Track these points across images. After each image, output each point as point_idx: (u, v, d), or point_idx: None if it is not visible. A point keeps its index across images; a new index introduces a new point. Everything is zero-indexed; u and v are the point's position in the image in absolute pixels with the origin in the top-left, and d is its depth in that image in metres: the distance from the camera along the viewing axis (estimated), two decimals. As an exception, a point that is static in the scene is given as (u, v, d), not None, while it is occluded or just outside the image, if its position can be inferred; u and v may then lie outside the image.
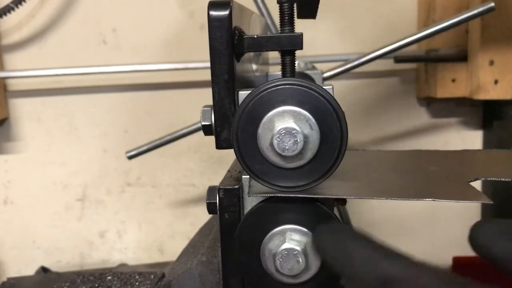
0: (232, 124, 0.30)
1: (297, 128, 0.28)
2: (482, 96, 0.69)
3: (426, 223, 0.82)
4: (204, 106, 0.33)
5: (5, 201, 0.82)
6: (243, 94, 0.32)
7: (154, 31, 0.78)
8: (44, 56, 0.78)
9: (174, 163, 0.82)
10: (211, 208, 0.33)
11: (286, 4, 0.31)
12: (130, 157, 0.70)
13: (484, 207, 0.81)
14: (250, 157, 0.30)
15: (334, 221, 0.31)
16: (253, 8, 0.61)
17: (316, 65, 0.63)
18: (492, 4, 0.54)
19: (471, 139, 0.82)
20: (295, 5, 0.32)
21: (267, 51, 0.35)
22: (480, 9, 0.54)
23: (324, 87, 0.29)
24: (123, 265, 0.79)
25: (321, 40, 0.77)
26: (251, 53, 0.40)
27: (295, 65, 0.33)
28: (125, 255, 0.84)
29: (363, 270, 0.25)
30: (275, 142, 0.29)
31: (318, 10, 0.36)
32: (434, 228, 0.82)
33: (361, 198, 0.30)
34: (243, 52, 0.32)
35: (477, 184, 0.36)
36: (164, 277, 0.54)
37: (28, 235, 0.83)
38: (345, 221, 0.65)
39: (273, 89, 0.29)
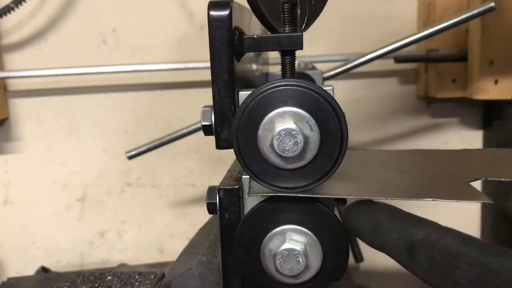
0: (232, 125, 0.30)
1: (297, 129, 0.28)
2: (482, 96, 0.69)
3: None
4: (204, 106, 0.33)
5: (5, 201, 0.82)
6: (243, 94, 0.32)
7: (154, 31, 0.78)
8: (44, 56, 0.78)
9: (174, 163, 0.82)
10: (211, 208, 0.33)
11: (287, 4, 0.31)
12: (130, 157, 0.70)
13: (484, 207, 0.81)
14: (250, 158, 0.30)
15: (363, 201, 0.31)
16: (253, 8, 0.61)
17: (316, 65, 0.63)
18: (492, 4, 0.54)
19: (471, 139, 0.82)
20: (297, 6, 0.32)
21: (267, 51, 0.35)
22: (480, 9, 0.54)
23: (324, 88, 0.29)
24: (123, 265, 0.78)
25: (321, 39, 0.77)
26: (251, 53, 0.40)
27: (295, 65, 0.33)
28: (125, 255, 0.84)
29: (391, 238, 0.27)
30: (275, 143, 0.29)
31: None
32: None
33: (361, 198, 0.30)
34: (243, 52, 0.32)
35: (477, 184, 0.36)
36: (164, 277, 0.54)
37: (28, 235, 0.83)
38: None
39: (273, 90, 0.29)
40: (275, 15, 0.32)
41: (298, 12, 0.32)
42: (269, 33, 0.33)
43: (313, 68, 0.60)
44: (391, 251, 0.27)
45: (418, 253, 0.26)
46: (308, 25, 0.33)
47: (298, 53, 0.33)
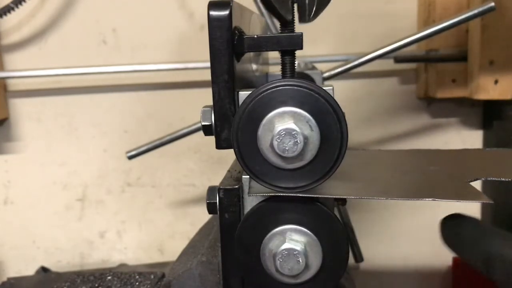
0: (232, 125, 0.30)
1: (297, 129, 0.28)
2: (482, 96, 0.69)
3: (426, 223, 0.82)
4: (204, 106, 0.33)
5: (5, 201, 0.82)
6: (243, 94, 0.32)
7: (154, 31, 0.78)
8: (44, 56, 0.78)
9: (174, 163, 0.82)
10: (211, 208, 0.33)
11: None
12: (130, 157, 0.70)
13: (484, 207, 0.81)
14: (250, 158, 0.30)
15: (459, 216, 0.33)
16: (253, 8, 0.61)
17: (316, 65, 0.63)
18: (492, 4, 0.54)
19: (471, 139, 0.82)
20: (295, 5, 0.32)
21: (267, 51, 0.35)
22: (480, 9, 0.54)
23: (324, 88, 0.29)
24: (123, 265, 0.78)
25: (321, 39, 0.77)
26: (251, 53, 0.40)
27: (295, 65, 0.33)
28: (125, 255, 0.84)
29: (472, 252, 0.30)
30: (275, 143, 0.29)
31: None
32: (434, 229, 0.82)
33: (361, 198, 0.30)
34: (243, 52, 0.32)
35: (477, 184, 0.36)
36: (164, 277, 0.54)
37: (28, 235, 0.83)
38: (345, 221, 0.65)
39: (273, 90, 0.29)
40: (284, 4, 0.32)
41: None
42: (269, 32, 0.33)
43: (313, 68, 0.60)
44: (473, 264, 0.30)
45: (494, 267, 0.27)
46: (316, 15, 0.33)
47: (298, 53, 0.33)
